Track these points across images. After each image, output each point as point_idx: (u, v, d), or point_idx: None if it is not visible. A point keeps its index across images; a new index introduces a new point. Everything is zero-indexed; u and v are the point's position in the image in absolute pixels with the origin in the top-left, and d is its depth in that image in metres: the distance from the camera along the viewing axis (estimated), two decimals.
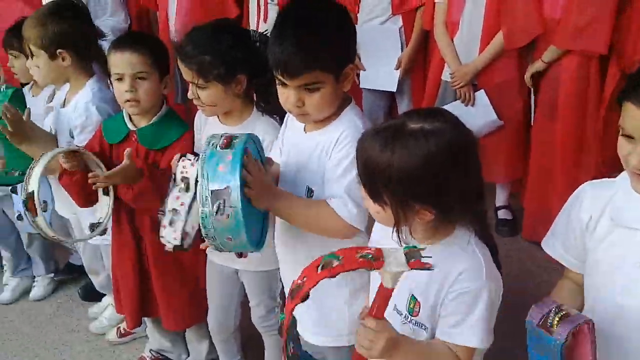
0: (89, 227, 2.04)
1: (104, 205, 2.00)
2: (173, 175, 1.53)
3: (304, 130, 1.55)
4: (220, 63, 1.68)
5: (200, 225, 1.31)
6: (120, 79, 1.88)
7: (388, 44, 3.20)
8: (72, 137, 2.15)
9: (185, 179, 1.51)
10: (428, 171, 1.10)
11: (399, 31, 3.18)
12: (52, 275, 3.12)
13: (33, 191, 1.73)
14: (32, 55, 2.14)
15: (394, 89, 3.26)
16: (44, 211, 2.53)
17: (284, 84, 1.41)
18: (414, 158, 1.10)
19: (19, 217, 2.56)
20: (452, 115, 1.18)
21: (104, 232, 2.05)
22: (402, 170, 1.10)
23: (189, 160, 1.52)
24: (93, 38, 2.22)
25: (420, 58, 3.25)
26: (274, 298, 1.94)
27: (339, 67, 1.41)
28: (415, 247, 1.08)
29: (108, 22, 3.45)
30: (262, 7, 3.18)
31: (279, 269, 1.71)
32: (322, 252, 1.11)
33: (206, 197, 1.28)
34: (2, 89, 2.09)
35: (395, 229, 1.17)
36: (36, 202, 1.75)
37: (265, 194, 1.39)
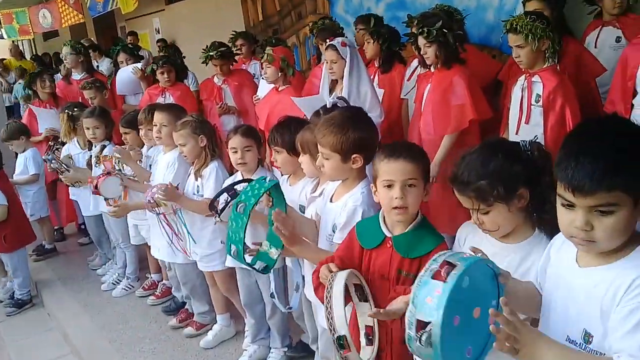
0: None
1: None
2: None
3: (577, 262, 1.38)
4: (498, 183, 1.62)
5: (407, 343, 1.33)
6: (390, 186, 1.90)
7: None
8: (334, 232, 2.24)
9: None
10: None
11: None
12: (285, 349, 3.27)
13: (345, 336, 1.70)
14: (305, 152, 2.37)
15: None
16: (296, 291, 2.69)
17: (570, 205, 1.28)
18: None
19: (272, 295, 2.73)
20: None
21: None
22: None
23: None
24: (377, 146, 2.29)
25: None
26: None
27: (639, 191, 1.24)
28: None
29: None
30: (525, 109, 3.06)
31: None
32: None
33: (411, 322, 1.30)
34: (266, 180, 2.26)
35: None
36: (350, 343, 1.71)
37: (528, 343, 1.25)
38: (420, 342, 1.28)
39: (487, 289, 1.37)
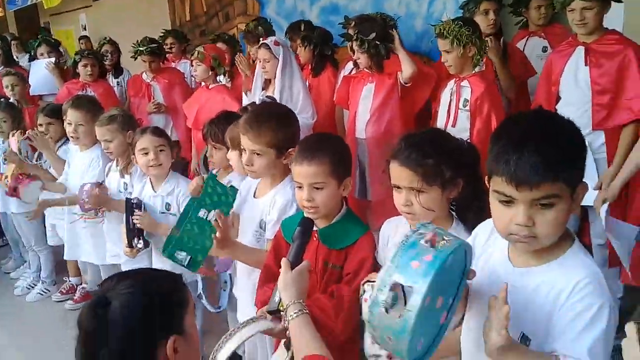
0: None
1: None
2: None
3: (511, 262, 1.35)
4: (446, 165, 1.62)
5: (367, 309, 1.17)
6: (299, 187, 1.90)
7: None
8: (262, 228, 2.21)
9: None
10: None
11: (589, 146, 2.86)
12: None
13: None
14: (235, 147, 2.29)
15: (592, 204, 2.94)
16: (224, 290, 2.61)
17: (509, 201, 1.24)
18: None
19: (199, 296, 2.64)
20: None
21: None
22: None
23: (371, 283, 1.42)
24: None
25: None
26: None
27: (576, 183, 1.24)
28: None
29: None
30: (453, 113, 3.12)
31: None
32: None
33: (385, 284, 1.14)
34: (229, 185, 2.19)
35: None
36: None
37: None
38: (387, 309, 1.12)
39: (454, 280, 1.27)
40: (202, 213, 2.08)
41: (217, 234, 2.00)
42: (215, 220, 2.00)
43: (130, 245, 2.83)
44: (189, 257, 2.04)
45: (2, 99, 4.29)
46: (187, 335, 1.28)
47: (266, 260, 2.05)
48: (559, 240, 1.28)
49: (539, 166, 1.18)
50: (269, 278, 1.99)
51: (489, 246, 1.43)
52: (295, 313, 1.47)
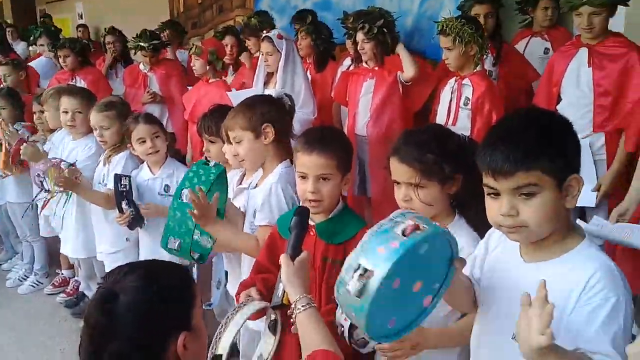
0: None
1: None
2: None
3: (522, 257, 1.37)
4: (446, 161, 1.64)
5: (335, 285, 1.24)
6: (303, 177, 1.87)
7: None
8: (254, 217, 2.18)
9: None
10: None
11: (589, 148, 2.92)
12: None
13: (221, 355, 1.47)
14: (229, 141, 2.26)
15: (593, 204, 2.95)
16: (217, 288, 2.60)
17: (495, 194, 1.28)
18: None
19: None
20: None
21: None
22: None
23: None
24: (290, 126, 2.34)
25: (624, 181, 2.92)
26: None
27: (561, 174, 1.24)
28: None
29: (297, 114, 3.61)
30: (453, 111, 3.10)
31: None
32: None
33: (351, 265, 1.21)
34: (210, 164, 2.16)
35: None
36: None
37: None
38: (349, 288, 1.19)
39: (437, 267, 1.31)
40: (183, 197, 2.07)
41: (194, 210, 1.97)
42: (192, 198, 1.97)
43: (120, 210, 2.84)
44: (178, 241, 2.06)
45: (2, 87, 4.25)
46: (196, 330, 1.23)
47: (259, 256, 2.02)
48: (569, 235, 1.31)
49: (511, 155, 1.22)
50: (259, 272, 1.96)
51: (502, 242, 1.44)
52: (303, 306, 1.46)
